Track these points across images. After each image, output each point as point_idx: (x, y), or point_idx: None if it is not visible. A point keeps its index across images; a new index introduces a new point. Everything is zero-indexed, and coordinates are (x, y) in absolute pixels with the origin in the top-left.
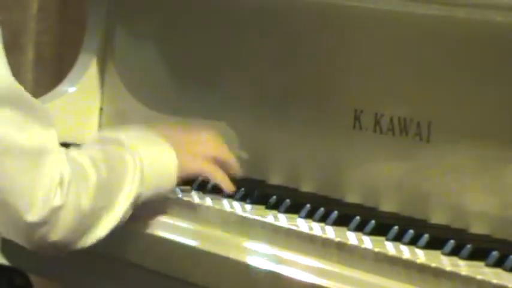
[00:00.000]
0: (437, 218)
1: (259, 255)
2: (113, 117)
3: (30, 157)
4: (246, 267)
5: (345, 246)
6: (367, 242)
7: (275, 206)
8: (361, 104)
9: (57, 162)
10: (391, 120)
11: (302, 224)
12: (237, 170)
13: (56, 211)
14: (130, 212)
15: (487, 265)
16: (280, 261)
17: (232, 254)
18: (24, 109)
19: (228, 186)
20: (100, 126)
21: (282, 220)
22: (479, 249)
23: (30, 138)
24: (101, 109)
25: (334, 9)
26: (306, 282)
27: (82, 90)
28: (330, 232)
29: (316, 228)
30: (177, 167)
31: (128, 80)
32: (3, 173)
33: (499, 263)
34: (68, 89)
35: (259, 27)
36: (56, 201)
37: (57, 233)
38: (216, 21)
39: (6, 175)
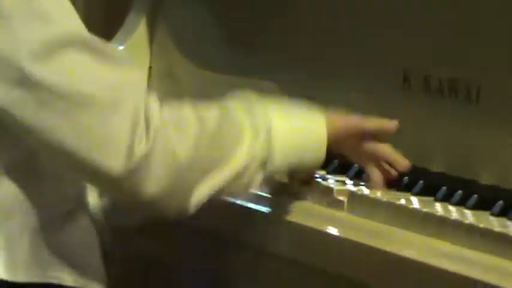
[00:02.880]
0: (487, 178)
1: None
2: (162, 76)
3: (99, 108)
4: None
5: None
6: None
7: None
8: (411, 64)
9: (139, 107)
10: (440, 81)
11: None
12: (405, 166)
13: (143, 159)
14: (257, 180)
15: None
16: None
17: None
18: (89, 52)
19: (401, 159)
20: (149, 85)
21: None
22: None
23: (103, 80)
24: (150, 67)
25: None
26: (353, 241)
27: (131, 49)
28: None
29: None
30: (327, 127)
31: (177, 38)
32: (79, 123)
33: None
34: (118, 46)
35: None
36: (142, 147)
37: (149, 185)
38: None
39: (82, 125)
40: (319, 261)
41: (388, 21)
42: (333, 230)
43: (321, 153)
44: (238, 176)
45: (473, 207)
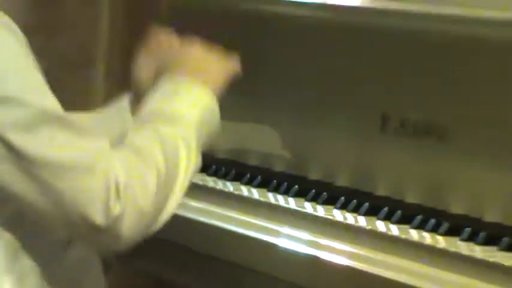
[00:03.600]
0: (457, 209)
1: (299, 241)
2: None
3: (78, 173)
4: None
5: (375, 233)
6: (394, 229)
7: (314, 199)
8: (388, 108)
9: (109, 170)
10: (415, 123)
11: (337, 214)
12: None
13: (117, 219)
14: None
15: (500, 249)
16: (318, 246)
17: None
18: (62, 127)
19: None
20: None
21: (320, 211)
22: (493, 235)
23: (76, 150)
24: None
25: (358, 29)
26: (341, 265)
27: None
28: (362, 221)
29: (349, 218)
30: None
31: None
32: (58, 189)
33: (510, 248)
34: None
35: (296, 46)
36: (116, 211)
37: (122, 237)
38: (265, 39)
39: (62, 193)
40: None
41: (367, 70)
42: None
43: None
44: (185, 185)
45: (444, 234)
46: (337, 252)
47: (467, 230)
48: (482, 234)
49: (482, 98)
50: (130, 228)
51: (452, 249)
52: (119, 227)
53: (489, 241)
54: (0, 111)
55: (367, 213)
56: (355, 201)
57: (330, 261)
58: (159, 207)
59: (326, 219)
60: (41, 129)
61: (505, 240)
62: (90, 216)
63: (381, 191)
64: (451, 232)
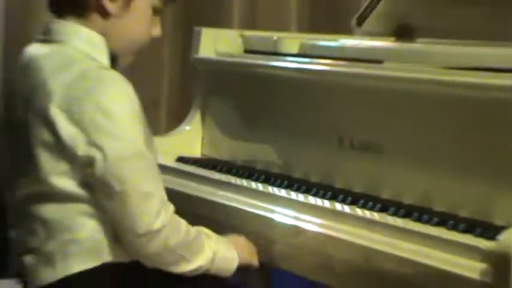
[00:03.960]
0: (387, 194)
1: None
2: (208, 143)
3: (147, 197)
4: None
5: (334, 211)
6: (346, 208)
7: (297, 189)
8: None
9: (162, 206)
10: (360, 142)
11: (312, 199)
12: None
13: (154, 233)
14: (196, 273)
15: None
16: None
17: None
18: (147, 164)
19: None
20: (202, 149)
21: (300, 197)
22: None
23: (148, 185)
24: (202, 138)
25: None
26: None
27: (193, 128)
28: (326, 203)
29: (318, 201)
30: (237, 262)
31: (218, 124)
32: (130, 204)
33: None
34: (186, 127)
35: (283, 97)
36: (156, 226)
37: (150, 248)
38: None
39: (131, 205)
40: None
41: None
42: None
43: (233, 264)
44: (195, 270)
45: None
46: (313, 224)
47: (402, 211)
48: (426, 217)
49: (408, 124)
50: (157, 246)
51: (400, 224)
52: (151, 239)
53: (439, 223)
54: (111, 144)
55: (329, 198)
56: (322, 191)
57: (307, 229)
58: (177, 258)
59: (304, 202)
60: (131, 161)
61: (450, 223)
62: (137, 229)
63: (340, 184)
64: (405, 215)
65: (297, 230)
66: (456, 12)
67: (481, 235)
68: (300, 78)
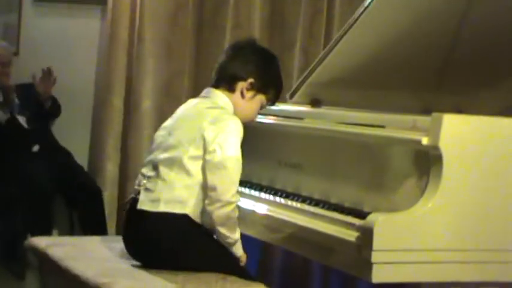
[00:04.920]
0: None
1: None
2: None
3: (234, 182)
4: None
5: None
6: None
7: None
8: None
9: (236, 191)
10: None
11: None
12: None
13: (229, 203)
14: (233, 243)
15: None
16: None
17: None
18: (239, 165)
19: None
20: None
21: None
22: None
23: (236, 176)
24: None
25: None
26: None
27: None
28: (279, 200)
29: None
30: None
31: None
32: (226, 181)
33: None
34: None
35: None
36: (233, 199)
37: (222, 211)
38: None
39: (225, 181)
40: None
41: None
42: None
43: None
44: (236, 239)
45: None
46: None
47: (320, 204)
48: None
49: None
50: (228, 211)
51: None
52: (230, 205)
53: (333, 209)
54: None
55: (273, 194)
56: (269, 191)
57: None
58: (230, 226)
59: (268, 200)
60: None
61: (339, 209)
62: (226, 197)
63: (279, 186)
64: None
65: (257, 213)
66: (344, 93)
67: (357, 216)
68: (258, 126)
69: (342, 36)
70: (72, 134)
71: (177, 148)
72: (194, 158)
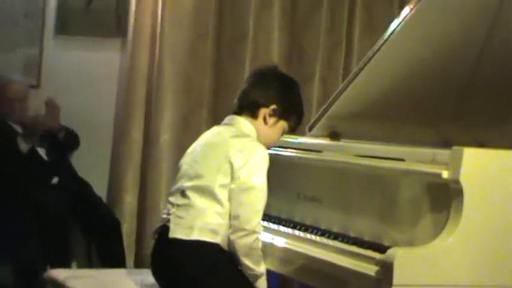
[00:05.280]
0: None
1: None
2: None
3: (257, 211)
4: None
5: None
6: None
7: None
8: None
9: (259, 222)
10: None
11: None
12: None
13: (252, 232)
14: (257, 276)
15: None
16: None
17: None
18: (264, 195)
19: None
20: None
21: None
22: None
23: (260, 205)
24: None
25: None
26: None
27: None
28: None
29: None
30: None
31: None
32: (250, 209)
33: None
34: None
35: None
36: (256, 229)
37: (245, 240)
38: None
39: (249, 209)
40: None
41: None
42: None
43: None
44: (261, 273)
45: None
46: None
47: (339, 238)
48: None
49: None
50: (251, 243)
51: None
52: (252, 236)
53: (353, 243)
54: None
55: (291, 227)
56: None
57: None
58: (253, 257)
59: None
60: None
61: (359, 243)
62: (249, 226)
63: (297, 219)
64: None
65: (276, 246)
66: (363, 125)
67: (377, 250)
68: (276, 159)
69: (361, 69)
70: (91, 166)
71: (205, 176)
72: (224, 186)
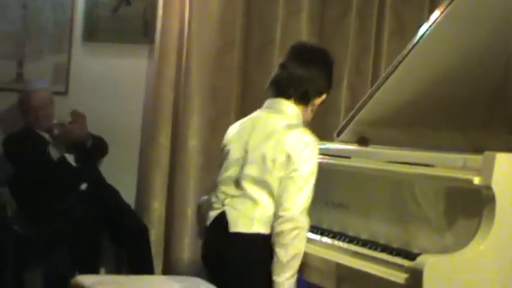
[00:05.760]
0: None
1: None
2: None
3: (304, 199)
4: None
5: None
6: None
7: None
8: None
9: (305, 212)
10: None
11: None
12: None
13: (291, 219)
14: (286, 275)
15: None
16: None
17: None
18: (311, 185)
19: None
20: None
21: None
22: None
23: (308, 192)
24: None
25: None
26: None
27: None
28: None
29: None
30: None
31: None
32: (294, 197)
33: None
34: None
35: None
36: (295, 216)
37: (284, 226)
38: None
39: (293, 198)
40: None
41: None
42: None
43: None
44: (292, 274)
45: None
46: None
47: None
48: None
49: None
50: (286, 228)
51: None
52: (297, 223)
53: (382, 250)
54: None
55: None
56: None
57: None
58: (290, 250)
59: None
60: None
61: (388, 250)
62: (289, 214)
63: (325, 226)
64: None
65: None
66: (391, 131)
67: (406, 257)
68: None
69: (389, 74)
70: (119, 172)
71: (260, 167)
72: (278, 178)
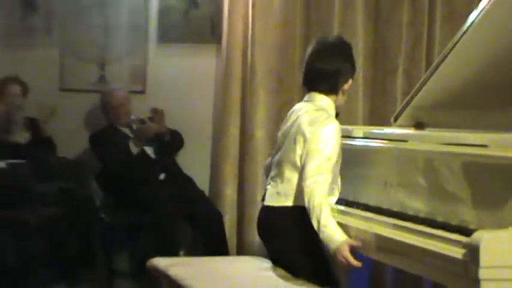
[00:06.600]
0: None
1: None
2: None
3: (321, 175)
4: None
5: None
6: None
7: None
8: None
9: (320, 182)
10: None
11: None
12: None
13: (312, 194)
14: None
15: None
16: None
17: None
18: (331, 162)
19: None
20: None
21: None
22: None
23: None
24: None
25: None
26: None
27: None
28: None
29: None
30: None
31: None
32: (313, 171)
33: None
34: None
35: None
36: (316, 189)
37: (308, 199)
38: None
39: (313, 171)
40: None
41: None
42: None
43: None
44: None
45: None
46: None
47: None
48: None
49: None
50: (308, 199)
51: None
52: (312, 193)
53: (440, 227)
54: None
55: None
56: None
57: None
58: (319, 211)
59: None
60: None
61: (447, 228)
62: (309, 189)
63: (385, 206)
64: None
65: (364, 232)
66: (446, 114)
67: (463, 234)
68: (364, 149)
69: (442, 60)
70: (194, 163)
71: (288, 149)
72: (300, 156)
